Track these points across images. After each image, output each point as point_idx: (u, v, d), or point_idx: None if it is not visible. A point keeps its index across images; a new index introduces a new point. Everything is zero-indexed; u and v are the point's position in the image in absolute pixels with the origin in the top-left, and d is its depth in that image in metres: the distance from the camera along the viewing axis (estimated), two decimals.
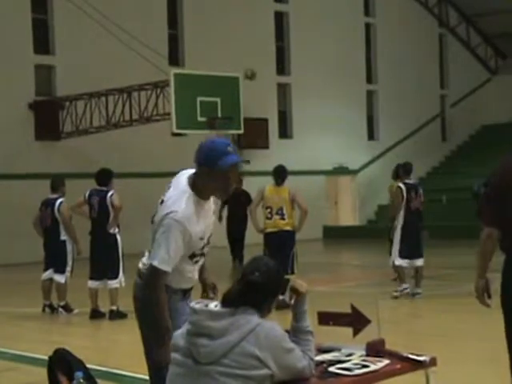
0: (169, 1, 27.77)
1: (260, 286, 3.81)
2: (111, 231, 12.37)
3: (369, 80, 33.81)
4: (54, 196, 12.99)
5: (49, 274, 13.13)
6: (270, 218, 12.66)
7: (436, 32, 35.76)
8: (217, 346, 3.61)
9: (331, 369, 4.10)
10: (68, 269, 13.07)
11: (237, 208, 18.18)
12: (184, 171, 5.06)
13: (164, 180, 21.12)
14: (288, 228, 12.64)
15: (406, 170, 14.02)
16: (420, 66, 34.48)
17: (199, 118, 21.71)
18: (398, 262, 13.41)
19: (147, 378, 7.05)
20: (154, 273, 4.78)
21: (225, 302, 3.76)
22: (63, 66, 25.07)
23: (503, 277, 5.31)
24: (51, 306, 13.11)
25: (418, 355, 4.35)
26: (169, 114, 21.59)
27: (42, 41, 25.29)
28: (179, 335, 3.82)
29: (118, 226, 12.56)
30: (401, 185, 13.53)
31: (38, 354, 8.18)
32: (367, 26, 33.68)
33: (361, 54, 33.30)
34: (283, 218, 12.62)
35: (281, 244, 12.59)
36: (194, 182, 4.84)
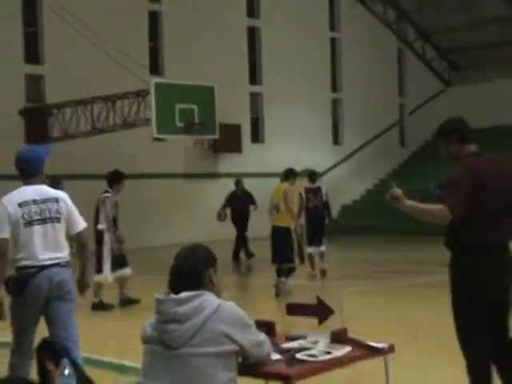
0: (150, 15, 27.74)
1: (187, 258, 3.86)
2: (99, 227, 12.31)
3: (334, 89, 33.91)
4: None
5: None
6: (272, 213, 13.12)
7: (395, 46, 35.97)
8: (185, 328, 3.63)
9: (298, 355, 4.12)
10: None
11: (240, 208, 18.81)
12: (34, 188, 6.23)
13: (146, 181, 21.10)
14: (280, 224, 12.89)
15: (309, 177, 16.06)
16: (381, 77, 34.67)
17: (177, 124, 21.69)
18: (308, 250, 15.34)
19: (124, 363, 7.15)
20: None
21: (175, 287, 3.80)
22: (52, 75, 24.94)
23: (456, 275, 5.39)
24: None
25: (377, 343, 4.40)
26: (149, 120, 21.58)
27: (32, 51, 25.12)
28: (147, 326, 3.82)
29: (115, 223, 12.43)
30: (301, 190, 15.45)
31: None
32: (332, 41, 33.79)
33: (326, 65, 33.38)
34: (278, 213, 12.94)
35: (276, 237, 12.95)
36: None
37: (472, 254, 5.25)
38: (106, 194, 12.30)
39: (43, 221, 6.03)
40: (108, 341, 9.85)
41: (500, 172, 5.40)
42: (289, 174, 13.57)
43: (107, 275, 12.04)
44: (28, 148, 6.60)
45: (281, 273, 12.85)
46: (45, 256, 5.99)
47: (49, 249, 6.02)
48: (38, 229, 6.02)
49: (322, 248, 15.30)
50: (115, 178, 12.46)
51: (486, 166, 5.36)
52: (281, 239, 12.85)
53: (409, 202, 5.16)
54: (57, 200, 6.13)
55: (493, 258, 5.26)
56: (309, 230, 15.34)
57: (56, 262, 6.02)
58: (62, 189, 12.93)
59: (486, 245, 5.25)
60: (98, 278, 12.01)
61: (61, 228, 6.12)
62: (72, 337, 6.06)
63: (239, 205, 19.54)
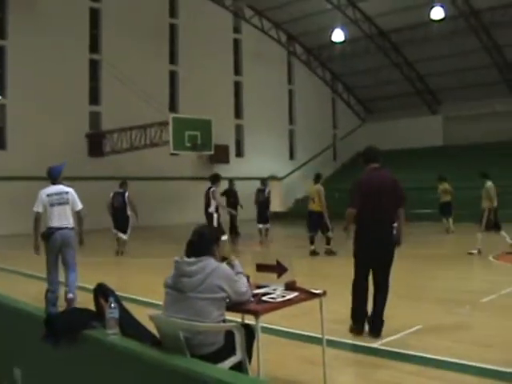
0: (170, 73, 27.59)
1: (202, 235, 3.82)
2: (209, 210, 12.36)
3: (290, 123, 33.84)
4: (121, 190, 13.05)
5: (116, 232, 13.24)
6: (309, 203, 13.16)
7: (330, 96, 35.94)
8: (194, 281, 3.61)
9: (264, 298, 4.14)
10: (128, 231, 13.24)
11: (233, 201, 18.61)
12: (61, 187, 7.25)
13: (166, 182, 20.82)
14: (314, 209, 12.98)
15: (262, 182, 16.27)
16: (321, 116, 34.69)
17: (187, 144, 21.63)
18: (257, 226, 15.61)
19: (149, 300, 7.00)
20: None
21: (189, 253, 3.76)
22: (105, 112, 24.83)
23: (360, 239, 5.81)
24: (118, 252, 13.11)
25: (315, 290, 4.43)
26: (168, 141, 21.52)
27: (94, 97, 24.99)
28: (169, 277, 3.77)
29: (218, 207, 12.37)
30: (256, 191, 15.85)
31: (89, 285, 8.06)
32: (290, 91, 33.70)
33: (285, 107, 33.31)
34: (314, 203, 12.96)
35: (311, 217, 13.05)
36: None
37: (363, 227, 5.68)
38: (213, 189, 12.22)
39: (59, 204, 7.10)
40: (139, 285, 9.69)
41: (382, 178, 5.77)
42: (319, 178, 13.39)
43: None
44: (53, 166, 7.40)
45: (313, 239, 13.12)
46: (59, 223, 7.05)
47: (61, 219, 7.06)
48: (56, 208, 7.08)
49: (268, 225, 15.62)
50: (216, 178, 12.45)
51: (375, 176, 5.75)
52: (314, 218, 12.92)
53: (347, 227, 5.97)
54: (67, 193, 7.19)
55: (376, 228, 5.66)
56: (258, 214, 15.63)
57: (65, 226, 7.08)
58: (126, 186, 13.23)
59: (371, 221, 5.66)
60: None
61: (68, 208, 7.15)
62: (72, 267, 7.22)
63: (231, 197, 19.30)
